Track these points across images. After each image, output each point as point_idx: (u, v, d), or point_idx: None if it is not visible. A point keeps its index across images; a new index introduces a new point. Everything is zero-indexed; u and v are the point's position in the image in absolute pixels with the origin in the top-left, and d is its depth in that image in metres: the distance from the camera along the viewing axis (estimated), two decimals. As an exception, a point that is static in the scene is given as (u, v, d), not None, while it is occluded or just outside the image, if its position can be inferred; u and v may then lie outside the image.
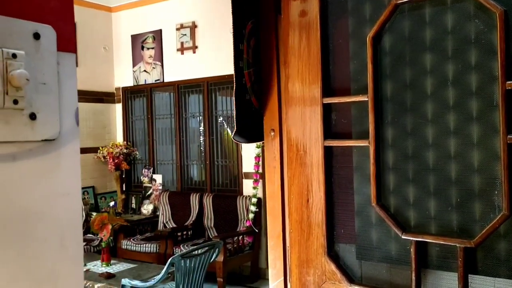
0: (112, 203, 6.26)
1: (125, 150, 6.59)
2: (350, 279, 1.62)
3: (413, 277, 1.46)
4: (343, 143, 1.64)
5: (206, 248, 3.89)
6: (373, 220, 1.58)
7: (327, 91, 1.66)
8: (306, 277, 1.72)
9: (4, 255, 0.64)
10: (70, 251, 0.71)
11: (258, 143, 4.43)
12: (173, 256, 3.62)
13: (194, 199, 6.07)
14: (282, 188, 1.80)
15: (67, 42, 0.69)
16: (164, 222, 6.23)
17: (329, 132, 1.67)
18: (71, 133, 0.68)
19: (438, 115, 1.49)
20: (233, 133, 1.76)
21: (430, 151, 1.50)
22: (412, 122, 1.53)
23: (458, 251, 1.38)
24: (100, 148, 6.61)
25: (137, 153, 6.83)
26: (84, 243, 5.76)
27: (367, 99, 1.54)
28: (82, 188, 6.52)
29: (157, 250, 5.56)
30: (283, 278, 1.80)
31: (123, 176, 6.80)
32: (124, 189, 6.82)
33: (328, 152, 1.67)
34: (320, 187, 1.67)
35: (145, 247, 5.70)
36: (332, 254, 1.67)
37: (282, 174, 1.81)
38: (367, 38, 1.54)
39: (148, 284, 3.71)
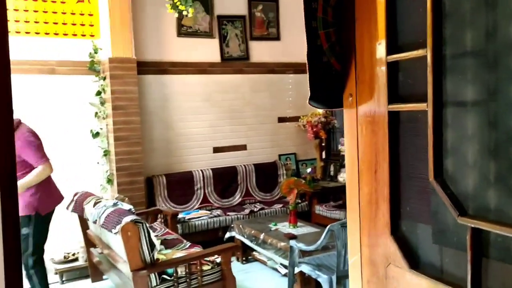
0: (309, 170, 6.55)
1: (323, 119, 6.75)
2: (413, 264, 1.40)
3: (469, 268, 1.18)
4: (405, 107, 1.40)
5: (372, 219, 3.75)
6: (436, 198, 1.32)
7: (393, 47, 1.43)
8: (375, 256, 1.56)
9: None
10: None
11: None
12: (333, 224, 3.63)
13: (387, 170, 5.85)
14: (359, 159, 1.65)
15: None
16: (358, 191, 6.20)
17: (395, 95, 1.44)
18: None
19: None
20: (308, 98, 1.68)
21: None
22: (490, 78, 1.20)
23: (515, 245, 1.06)
24: (301, 117, 6.94)
25: (336, 122, 6.92)
26: (281, 205, 6.22)
27: (424, 53, 1.28)
28: (285, 154, 7.00)
29: (344, 218, 5.61)
30: (359, 255, 1.67)
31: (322, 144, 7.00)
32: (323, 156, 7.03)
33: (394, 118, 1.45)
34: (385, 158, 1.47)
35: (334, 213, 5.82)
36: (398, 234, 1.47)
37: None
38: (427, -21, 1.26)
39: (310, 247, 3.83)
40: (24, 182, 3.72)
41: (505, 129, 1.18)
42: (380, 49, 1.46)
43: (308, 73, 1.63)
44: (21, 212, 4.00)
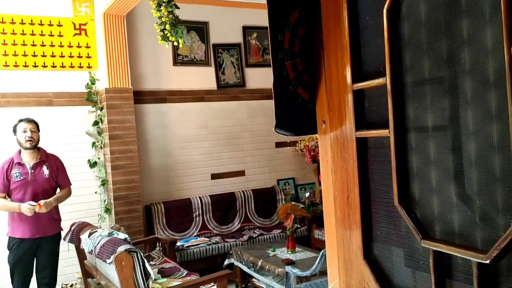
0: (307, 194, 6.56)
1: (320, 143, 6.79)
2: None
3: (433, 291, 1.20)
4: (371, 134, 1.43)
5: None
6: (401, 221, 1.34)
7: (358, 76, 1.48)
8: (350, 280, 1.57)
9: None
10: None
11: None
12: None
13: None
14: (334, 183, 1.68)
15: None
16: (357, 214, 6.18)
17: (362, 121, 1.48)
18: None
19: (480, 96, 1.17)
20: (274, 126, 1.72)
21: (471, 142, 1.19)
22: (449, 104, 1.24)
23: (472, 266, 1.08)
24: (298, 141, 6.98)
25: (333, 145, 6.95)
26: (280, 230, 6.20)
27: (385, 82, 1.32)
28: (283, 179, 7.02)
29: (344, 242, 5.58)
30: (338, 279, 1.68)
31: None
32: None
33: (362, 144, 1.49)
34: (355, 183, 1.50)
35: (333, 238, 5.79)
36: (371, 257, 1.49)
37: (334, 168, 1.68)
38: (384, 11, 1.32)
39: (305, 273, 3.81)
40: (59, 196, 4.20)
41: (466, 153, 1.21)
42: (347, 78, 1.51)
43: (274, 101, 1.67)
44: (57, 230, 4.38)
